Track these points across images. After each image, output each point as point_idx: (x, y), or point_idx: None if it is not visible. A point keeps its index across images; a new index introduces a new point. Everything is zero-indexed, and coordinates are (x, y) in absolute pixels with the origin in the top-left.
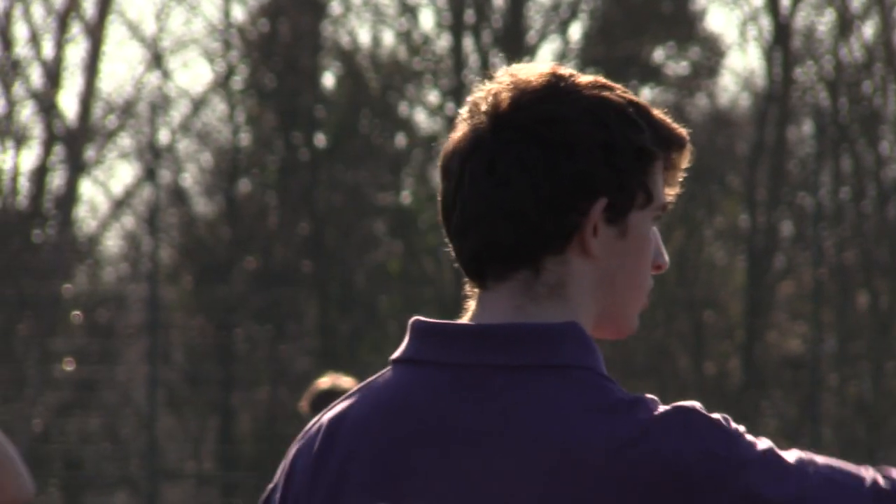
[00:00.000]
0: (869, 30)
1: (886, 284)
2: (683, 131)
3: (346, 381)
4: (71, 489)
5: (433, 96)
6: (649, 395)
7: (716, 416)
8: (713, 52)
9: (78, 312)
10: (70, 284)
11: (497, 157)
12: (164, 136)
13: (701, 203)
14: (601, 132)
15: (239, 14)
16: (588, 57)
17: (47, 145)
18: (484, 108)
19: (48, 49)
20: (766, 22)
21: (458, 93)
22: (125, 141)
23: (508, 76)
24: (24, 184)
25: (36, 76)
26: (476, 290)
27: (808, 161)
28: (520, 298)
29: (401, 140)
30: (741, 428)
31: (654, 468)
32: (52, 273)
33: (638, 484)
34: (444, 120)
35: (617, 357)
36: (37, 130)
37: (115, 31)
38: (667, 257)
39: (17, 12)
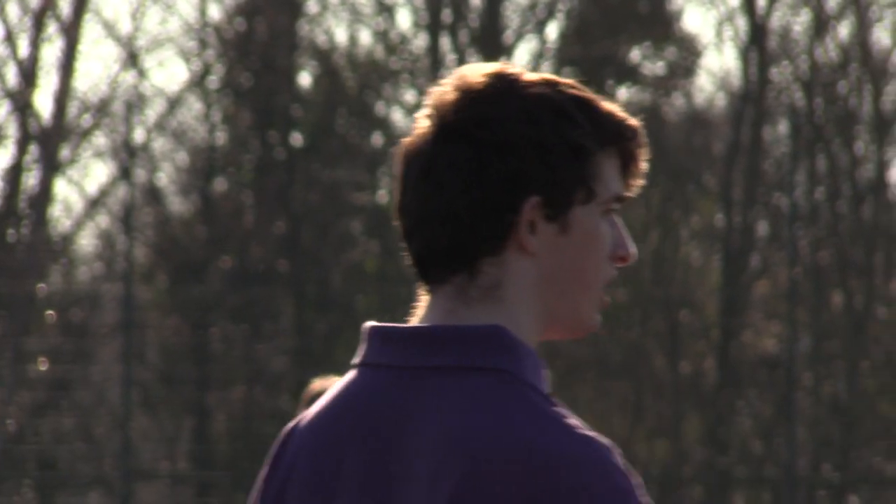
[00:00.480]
0: (844, 30)
1: (861, 284)
2: (635, 123)
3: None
4: (45, 489)
5: (410, 96)
6: (558, 409)
7: (621, 464)
8: (689, 51)
9: (52, 312)
10: (44, 284)
11: (433, 160)
12: (139, 135)
13: (677, 203)
14: (533, 130)
15: (215, 13)
16: (565, 57)
17: (22, 144)
18: (429, 111)
19: (24, 48)
20: (742, 22)
21: None
22: (100, 140)
23: (456, 78)
24: None
25: (11, 75)
26: (424, 292)
27: (783, 161)
28: (452, 302)
29: (378, 139)
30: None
31: (545, 484)
32: (27, 272)
33: (529, 494)
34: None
35: (592, 357)
36: (12, 129)
37: (90, 30)
38: (633, 248)
39: None
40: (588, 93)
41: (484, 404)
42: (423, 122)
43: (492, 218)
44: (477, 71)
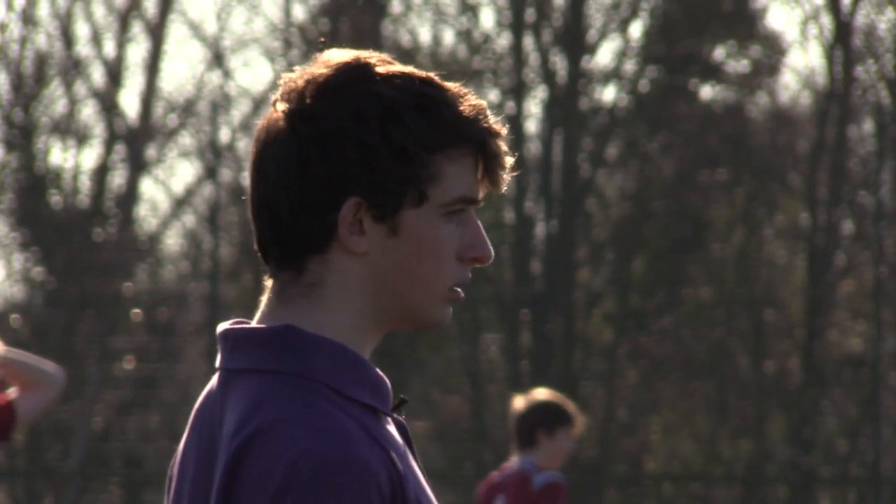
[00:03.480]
0: None
1: None
2: (492, 125)
3: (540, 393)
4: (131, 487)
5: (493, 95)
6: (321, 406)
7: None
8: (774, 50)
9: (138, 311)
10: (131, 283)
11: (264, 150)
12: (224, 135)
13: (762, 202)
14: (358, 129)
15: (300, 13)
16: (648, 55)
17: (108, 144)
18: (277, 96)
19: (109, 48)
20: (826, 20)
21: (518, 92)
22: (186, 140)
23: (313, 64)
24: (85, 182)
25: (97, 75)
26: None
27: (868, 159)
28: (275, 299)
29: None
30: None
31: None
32: (113, 272)
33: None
34: (503, 119)
35: (676, 356)
36: (98, 129)
37: (176, 30)
38: (488, 250)
39: (79, 11)
40: (442, 89)
41: (258, 403)
42: (272, 107)
43: (312, 216)
44: (333, 59)
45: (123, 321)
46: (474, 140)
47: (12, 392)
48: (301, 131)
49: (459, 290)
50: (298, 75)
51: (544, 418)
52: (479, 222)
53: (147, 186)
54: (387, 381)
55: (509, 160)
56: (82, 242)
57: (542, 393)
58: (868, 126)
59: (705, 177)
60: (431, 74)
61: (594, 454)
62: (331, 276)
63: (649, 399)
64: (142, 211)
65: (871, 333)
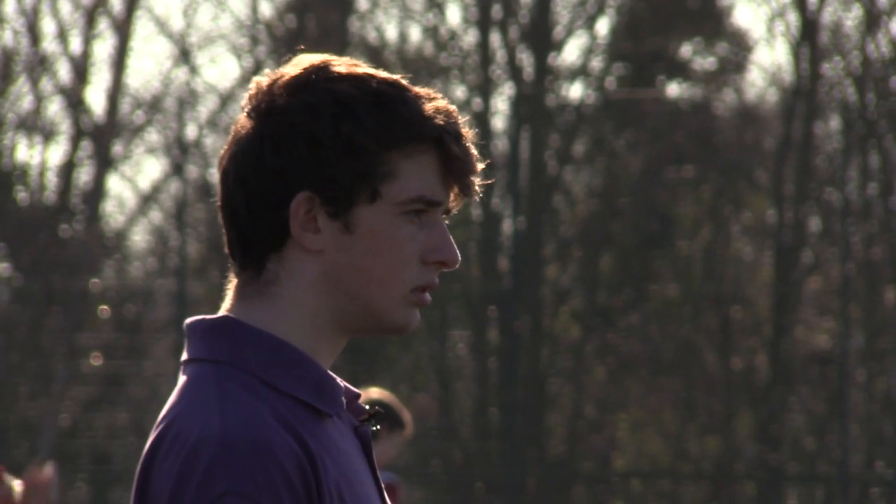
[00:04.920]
0: None
1: None
2: (455, 125)
3: (374, 392)
4: (98, 484)
5: (460, 92)
6: (240, 394)
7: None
8: (740, 47)
9: (105, 307)
10: (97, 279)
11: (229, 149)
12: (191, 132)
13: (728, 199)
14: (311, 124)
15: (266, 10)
16: (615, 53)
17: (75, 140)
18: (245, 98)
19: (76, 44)
20: (793, 17)
21: (484, 88)
22: (153, 136)
23: (286, 66)
24: (51, 179)
25: (63, 71)
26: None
27: (835, 156)
28: (234, 297)
29: None
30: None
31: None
32: (80, 268)
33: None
34: (470, 116)
35: (644, 353)
36: (64, 126)
37: (142, 27)
38: (453, 253)
39: (45, 7)
40: (403, 90)
41: (182, 393)
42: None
43: (266, 212)
44: (302, 60)
45: (90, 318)
46: (431, 137)
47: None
48: (258, 129)
49: (425, 293)
50: (267, 76)
51: (383, 419)
52: (444, 225)
53: (114, 183)
54: (338, 384)
55: (477, 164)
56: (49, 239)
57: (375, 392)
58: (835, 123)
59: (672, 174)
60: (399, 77)
61: (561, 451)
62: (285, 274)
63: (617, 396)
64: (108, 207)
65: (838, 330)
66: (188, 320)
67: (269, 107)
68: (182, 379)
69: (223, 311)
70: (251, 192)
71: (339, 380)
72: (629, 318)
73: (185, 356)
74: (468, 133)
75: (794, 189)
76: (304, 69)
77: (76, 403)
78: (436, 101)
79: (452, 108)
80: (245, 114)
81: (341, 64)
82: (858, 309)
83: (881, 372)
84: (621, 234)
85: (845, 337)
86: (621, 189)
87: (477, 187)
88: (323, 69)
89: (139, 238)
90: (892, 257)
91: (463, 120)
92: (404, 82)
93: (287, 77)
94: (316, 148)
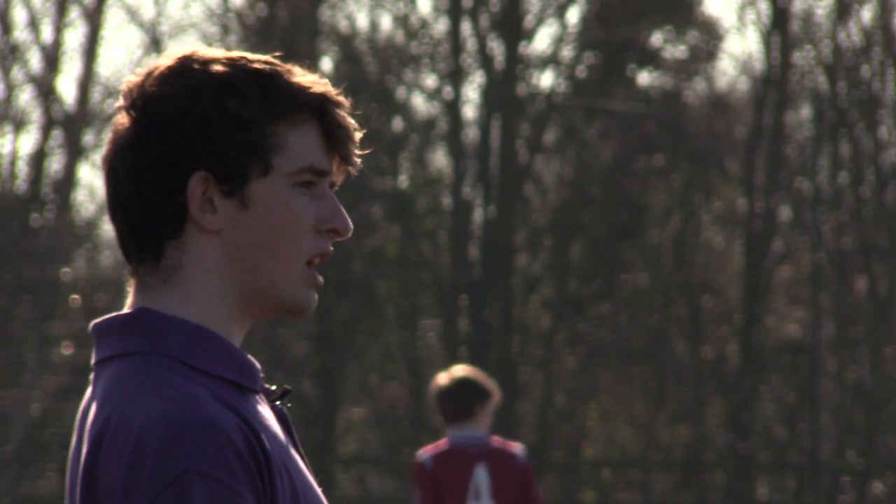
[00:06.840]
0: (867, 14)
1: (885, 269)
2: (330, 92)
3: (459, 370)
4: None
5: (431, 80)
6: (171, 379)
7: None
8: (711, 36)
9: (76, 296)
10: (68, 269)
11: (110, 145)
12: None
13: (699, 187)
14: (194, 106)
15: None
16: (586, 41)
17: (46, 130)
18: (121, 95)
19: (47, 33)
20: (764, 6)
21: (455, 77)
22: None
23: (157, 61)
24: (22, 168)
25: (35, 60)
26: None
27: (806, 145)
28: (137, 291)
29: (398, 124)
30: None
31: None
32: (51, 257)
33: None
34: (441, 104)
35: (614, 342)
36: (35, 115)
37: (113, 16)
38: (345, 221)
39: None
40: (277, 66)
41: (113, 387)
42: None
43: (161, 199)
44: (171, 53)
45: (61, 307)
46: (314, 105)
47: None
48: (140, 119)
49: (318, 276)
50: (137, 75)
51: (482, 392)
52: (333, 195)
53: (85, 172)
54: (256, 364)
55: (356, 133)
56: (20, 228)
57: (463, 369)
58: (806, 112)
59: (643, 163)
60: (270, 57)
61: (532, 440)
62: (188, 258)
63: (587, 385)
64: (80, 197)
65: (808, 319)
66: (97, 321)
67: (147, 99)
68: (105, 378)
69: (128, 305)
70: (143, 182)
71: (254, 360)
72: (600, 306)
73: (99, 356)
74: (347, 102)
75: (765, 178)
76: (177, 59)
77: (47, 393)
78: (310, 75)
79: (326, 80)
80: (123, 111)
81: (211, 51)
82: (829, 298)
83: (852, 361)
84: (591, 224)
85: (816, 326)
86: (592, 178)
87: (357, 158)
88: (195, 57)
89: (110, 227)
90: (862, 246)
91: (339, 90)
92: (278, 61)
93: (160, 69)
94: (204, 127)
